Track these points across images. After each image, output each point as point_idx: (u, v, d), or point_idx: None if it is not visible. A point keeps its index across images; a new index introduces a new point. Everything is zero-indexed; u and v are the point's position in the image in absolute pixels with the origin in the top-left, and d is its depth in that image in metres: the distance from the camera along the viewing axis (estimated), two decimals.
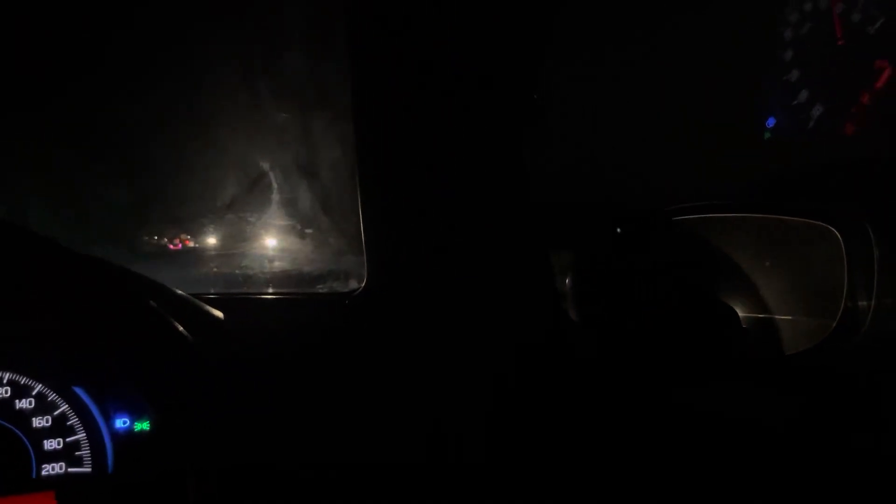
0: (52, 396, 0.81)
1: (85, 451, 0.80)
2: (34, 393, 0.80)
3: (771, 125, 1.44)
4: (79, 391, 0.81)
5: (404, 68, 0.84)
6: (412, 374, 0.96)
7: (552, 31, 0.93)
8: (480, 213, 0.99)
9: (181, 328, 0.55)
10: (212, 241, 1.06)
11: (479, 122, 0.92)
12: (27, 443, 0.78)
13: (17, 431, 0.78)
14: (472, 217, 0.99)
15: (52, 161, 0.99)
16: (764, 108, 1.41)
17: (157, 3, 0.90)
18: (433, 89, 0.87)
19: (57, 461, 0.79)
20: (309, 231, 1.07)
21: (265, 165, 0.97)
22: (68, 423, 0.80)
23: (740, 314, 1.16)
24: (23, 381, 0.80)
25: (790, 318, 1.09)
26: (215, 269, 1.09)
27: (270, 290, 1.13)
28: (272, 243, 1.08)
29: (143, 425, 0.82)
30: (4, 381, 0.80)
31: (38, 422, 0.80)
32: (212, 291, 0.98)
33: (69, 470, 0.79)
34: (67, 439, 0.80)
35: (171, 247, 1.18)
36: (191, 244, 1.19)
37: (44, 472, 0.78)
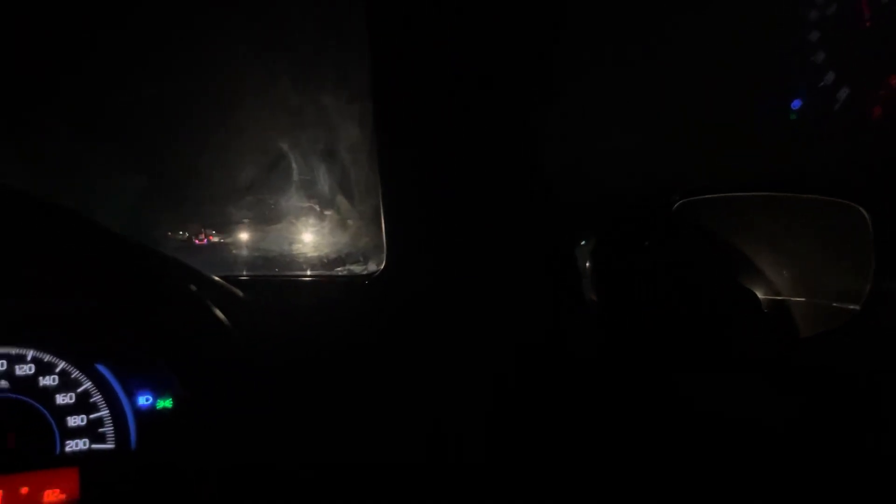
0: (75, 374, 0.82)
1: (108, 428, 0.81)
2: (57, 370, 0.81)
3: (796, 107, 1.42)
4: (101, 368, 0.82)
5: (424, 49, 0.84)
6: (422, 365, 0.96)
7: (568, 12, 0.92)
8: (496, 200, 0.98)
9: (217, 310, 0.56)
10: (231, 223, 1.07)
11: (494, 107, 0.91)
12: (51, 419, 0.80)
13: (40, 408, 0.80)
14: (488, 203, 0.99)
15: (68, 154, 1.00)
16: (789, 90, 1.39)
17: None
18: (453, 71, 0.86)
19: (80, 438, 0.80)
20: (328, 213, 1.07)
21: (284, 147, 0.97)
22: (91, 399, 0.81)
23: (760, 297, 1.14)
24: (46, 358, 0.81)
25: (811, 300, 1.07)
26: (234, 251, 1.09)
27: (289, 272, 1.14)
28: (291, 225, 1.08)
29: (165, 403, 0.83)
30: (28, 359, 0.81)
31: (61, 399, 0.81)
32: (230, 273, 0.98)
33: (92, 446, 0.80)
34: (91, 416, 0.81)
35: (197, 241, 1.19)
36: (215, 239, 1.20)
37: (67, 449, 0.79)
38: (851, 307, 0.98)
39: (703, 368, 1.05)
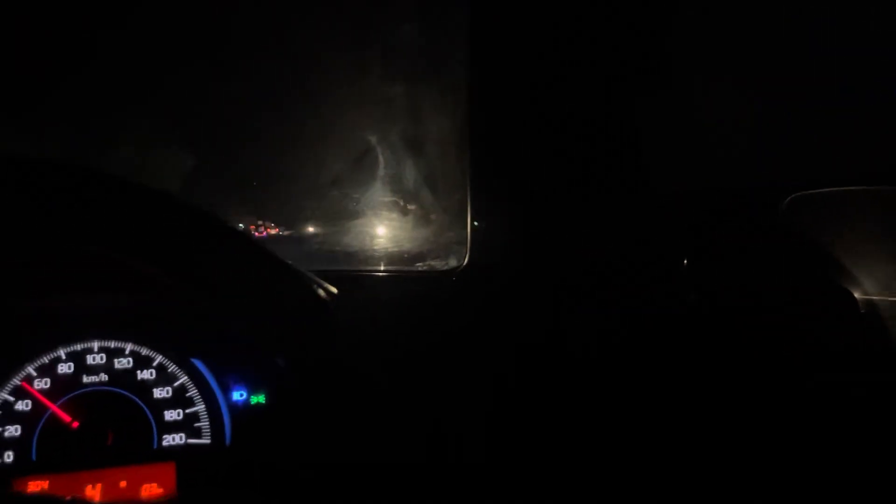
0: (171, 368, 0.82)
1: (204, 423, 0.80)
2: (154, 364, 0.81)
3: None
4: (197, 363, 0.82)
5: (525, 39, 0.80)
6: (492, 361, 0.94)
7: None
8: (593, 197, 0.95)
9: (330, 306, 0.54)
10: (313, 218, 1.06)
11: (596, 99, 0.88)
12: (149, 413, 0.80)
13: (139, 402, 0.80)
14: (584, 199, 0.95)
15: (155, 150, 1.00)
16: None
17: None
18: (555, 62, 0.83)
19: (177, 432, 0.80)
20: (411, 207, 1.05)
21: (372, 140, 0.95)
22: (187, 394, 0.81)
23: (859, 297, 1.09)
24: (143, 352, 0.82)
25: None
26: (317, 247, 1.08)
27: (367, 268, 1.12)
28: (373, 220, 1.07)
29: (259, 398, 0.82)
30: (126, 353, 0.81)
31: (158, 393, 0.81)
32: (308, 268, 0.97)
33: (189, 441, 0.80)
34: (187, 410, 0.81)
35: (256, 234, 1.19)
36: (274, 231, 1.19)
37: (165, 443, 0.79)
38: None
39: (797, 370, 1.00)
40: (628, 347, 0.97)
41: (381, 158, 0.98)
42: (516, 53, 0.82)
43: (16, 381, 0.78)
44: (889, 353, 1.04)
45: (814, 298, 1.07)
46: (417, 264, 1.13)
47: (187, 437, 0.80)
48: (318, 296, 0.52)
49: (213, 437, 0.80)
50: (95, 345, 0.80)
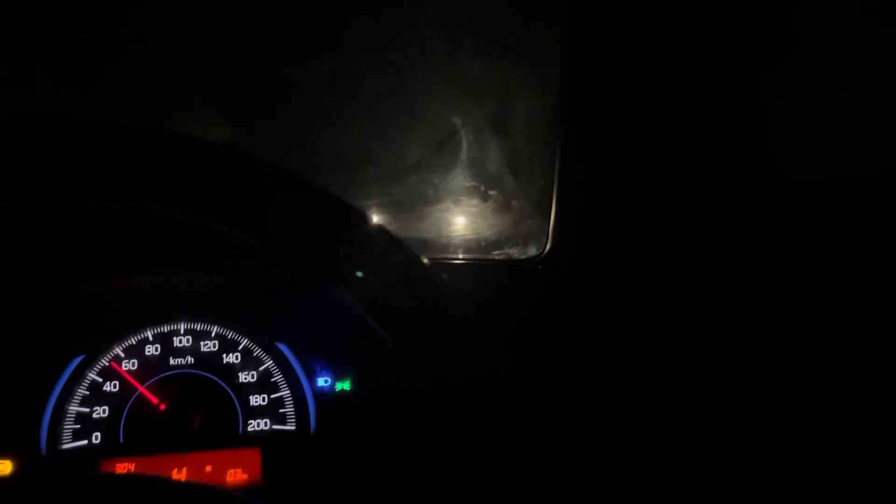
0: (256, 352, 0.80)
1: (289, 409, 0.79)
2: (240, 348, 0.80)
3: None
4: (282, 347, 0.80)
5: (629, 13, 0.76)
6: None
7: None
8: (702, 185, 0.89)
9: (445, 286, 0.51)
10: (392, 204, 1.03)
11: (710, 78, 0.82)
12: (234, 398, 0.78)
13: (224, 386, 0.79)
14: (690, 188, 0.90)
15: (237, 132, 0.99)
16: None
17: None
18: (661, 37, 0.78)
19: (262, 417, 0.79)
20: (492, 193, 1.02)
21: (456, 122, 0.93)
22: (272, 379, 0.80)
23: None
24: (230, 335, 0.80)
25: None
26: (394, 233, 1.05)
27: (447, 255, 1.09)
28: (453, 206, 1.04)
29: (344, 385, 0.81)
30: (212, 335, 0.80)
31: (243, 377, 0.79)
32: None
33: (274, 427, 0.78)
34: (272, 396, 0.79)
35: None
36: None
37: (250, 429, 0.78)
38: None
39: None
40: (715, 347, 0.92)
41: (464, 142, 0.95)
42: (618, 29, 0.77)
43: (104, 361, 0.77)
44: None
45: None
46: (494, 252, 1.10)
47: (272, 422, 0.79)
48: (437, 279, 0.50)
49: (297, 423, 0.79)
50: (182, 327, 0.80)
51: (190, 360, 0.79)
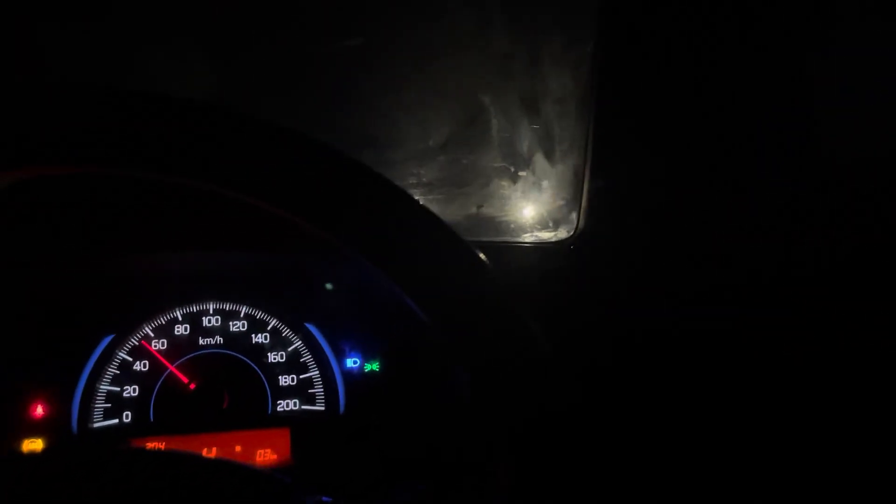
0: (285, 332, 0.80)
1: (318, 389, 0.78)
2: (268, 328, 0.80)
3: None
4: (311, 328, 0.80)
5: None
6: None
7: None
8: (747, 166, 0.87)
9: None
10: (419, 185, 1.02)
11: (755, 51, 0.80)
12: (263, 378, 0.78)
13: (253, 366, 0.78)
14: (732, 169, 0.87)
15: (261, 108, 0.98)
16: None
17: None
18: (698, 15, 0.75)
19: (291, 398, 0.78)
20: (522, 174, 1.00)
21: (486, 100, 0.91)
22: (301, 359, 0.79)
23: None
24: (258, 315, 0.80)
25: None
26: None
27: (474, 238, 1.08)
28: (481, 188, 1.03)
29: (373, 366, 0.80)
30: (241, 315, 0.80)
31: (272, 357, 0.79)
32: None
33: (303, 407, 0.78)
34: (301, 376, 0.79)
35: None
36: None
37: (279, 409, 0.78)
38: None
39: None
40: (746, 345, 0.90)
41: (493, 121, 0.93)
42: (651, 4, 0.75)
43: (134, 341, 0.77)
44: None
45: None
46: (524, 235, 1.08)
47: (301, 403, 0.78)
48: (482, 261, 0.48)
49: (326, 404, 0.78)
50: (211, 307, 0.79)
51: (219, 339, 0.78)
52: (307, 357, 0.79)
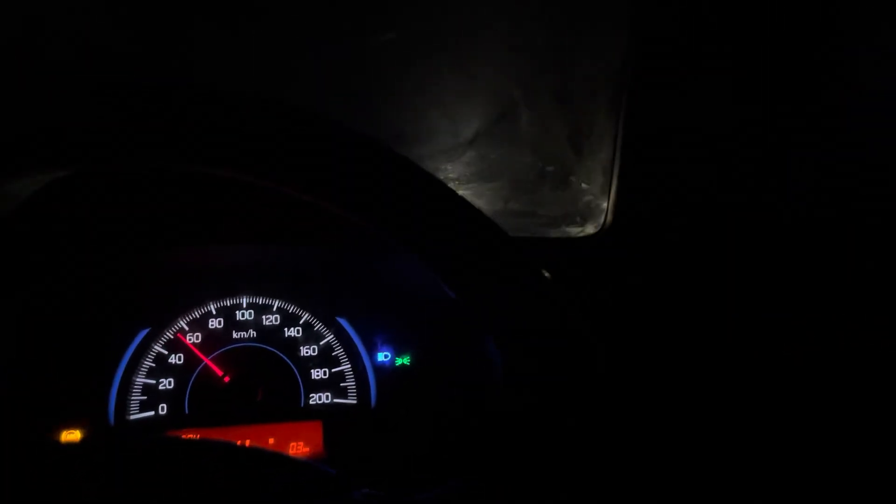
0: (317, 326, 0.80)
1: (350, 383, 0.79)
2: (301, 322, 0.80)
3: None
4: (343, 322, 0.80)
5: None
6: None
7: None
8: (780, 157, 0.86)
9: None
10: (447, 182, 1.02)
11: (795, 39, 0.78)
12: (296, 371, 0.79)
13: (286, 359, 0.79)
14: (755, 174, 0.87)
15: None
16: None
17: None
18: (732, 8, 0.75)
19: (323, 391, 0.79)
20: (549, 169, 1.00)
21: (515, 94, 0.91)
22: (333, 353, 0.80)
23: None
24: (291, 309, 0.81)
25: None
26: None
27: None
28: (509, 183, 1.03)
29: (403, 360, 0.80)
30: (274, 309, 0.80)
31: (305, 351, 0.80)
32: None
33: (335, 401, 0.79)
34: (333, 370, 0.79)
35: None
36: None
37: (311, 402, 0.78)
38: None
39: None
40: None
41: (523, 116, 0.93)
42: None
43: (169, 334, 0.78)
44: None
45: None
46: (551, 230, 1.08)
47: (333, 396, 0.79)
48: (516, 247, 0.48)
49: (358, 397, 0.79)
50: (244, 301, 0.80)
51: (252, 333, 0.79)
52: (339, 351, 0.80)
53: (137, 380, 0.76)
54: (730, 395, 0.87)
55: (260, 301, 0.80)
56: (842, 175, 0.87)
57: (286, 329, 0.80)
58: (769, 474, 0.84)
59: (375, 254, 0.77)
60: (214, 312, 0.79)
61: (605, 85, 0.85)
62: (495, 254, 0.45)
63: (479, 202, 1.06)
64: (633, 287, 0.95)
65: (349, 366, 0.79)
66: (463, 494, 0.46)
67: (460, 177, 1.03)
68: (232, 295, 0.80)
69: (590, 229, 1.03)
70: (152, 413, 0.76)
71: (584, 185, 1.02)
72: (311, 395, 0.78)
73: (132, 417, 0.76)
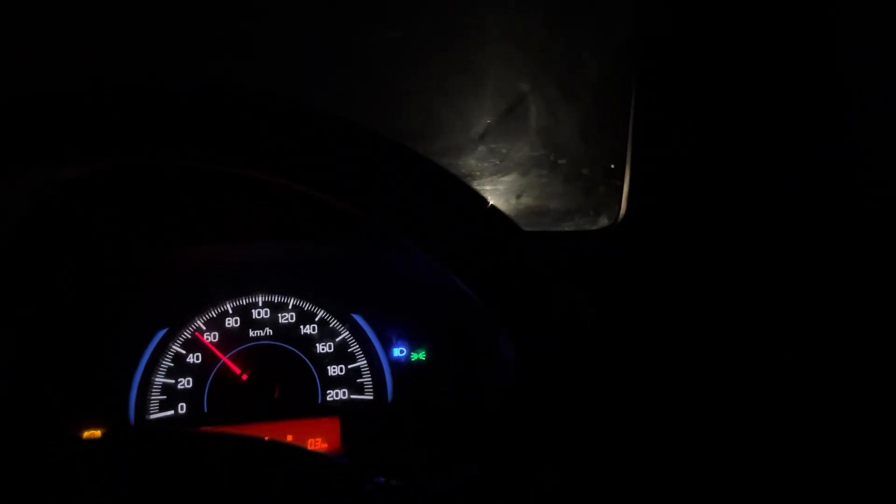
0: (333, 323, 0.81)
1: (366, 379, 0.80)
2: (316, 319, 0.81)
3: None
4: (357, 318, 0.81)
5: None
6: None
7: None
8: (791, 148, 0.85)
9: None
10: (460, 176, 1.02)
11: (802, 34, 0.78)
12: (312, 368, 0.79)
13: (303, 357, 0.80)
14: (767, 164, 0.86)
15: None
16: None
17: None
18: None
19: (340, 387, 0.79)
20: (561, 162, 1.00)
21: (525, 88, 0.91)
22: (349, 349, 0.80)
23: None
24: (306, 307, 0.81)
25: None
26: None
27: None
28: (520, 177, 1.03)
29: (419, 355, 0.81)
30: (290, 307, 0.81)
31: (321, 348, 0.80)
32: None
33: (352, 396, 0.79)
34: (349, 366, 0.80)
35: None
36: None
37: (328, 398, 0.79)
38: None
39: None
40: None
41: (532, 109, 0.93)
42: None
43: (187, 334, 0.79)
44: None
45: None
46: (564, 223, 1.08)
47: (350, 392, 0.79)
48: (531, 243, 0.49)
49: (375, 393, 0.79)
50: (260, 299, 0.81)
51: (269, 331, 0.80)
52: (355, 347, 0.80)
53: (156, 379, 0.77)
54: (733, 393, 0.87)
55: (275, 299, 0.81)
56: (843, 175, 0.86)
57: (302, 326, 0.80)
58: (769, 474, 0.84)
59: (388, 250, 0.78)
60: (231, 311, 0.80)
61: (613, 79, 0.85)
62: (509, 249, 0.46)
63: (491, 196, 1.06)
64: (647, 279, 0.94)
65: (365, 362, 0.80)
66: (475, 483, 0.47)
67: (472, 172, 1.04)
68: (247, 293, 0.81)
69: (603, 222, 1.03)
70: (171, 412, 0.77)
71: (596, 179, 1.02)
72: (327, 392, 0.79)
73: (152, 416, 0.77)
